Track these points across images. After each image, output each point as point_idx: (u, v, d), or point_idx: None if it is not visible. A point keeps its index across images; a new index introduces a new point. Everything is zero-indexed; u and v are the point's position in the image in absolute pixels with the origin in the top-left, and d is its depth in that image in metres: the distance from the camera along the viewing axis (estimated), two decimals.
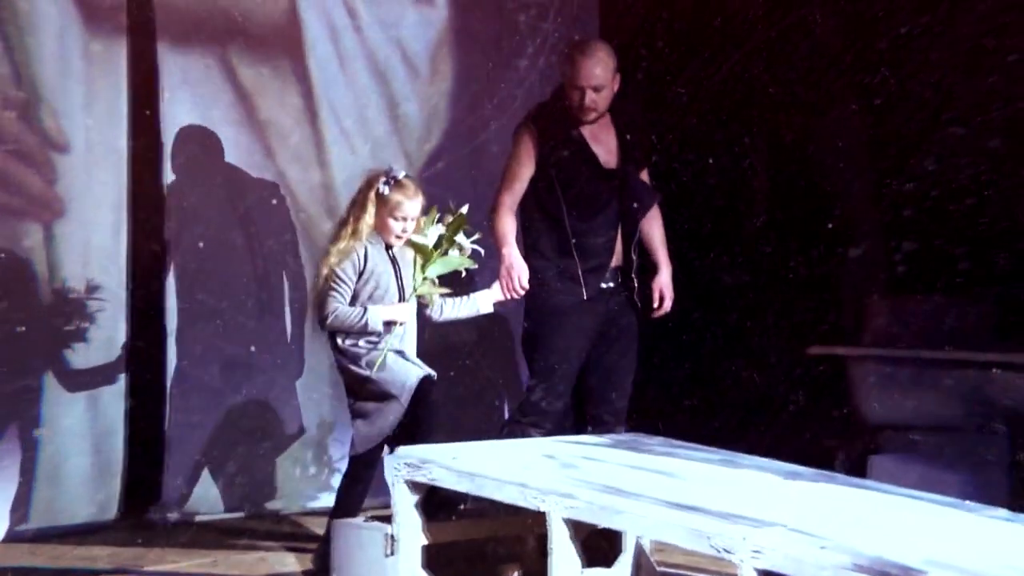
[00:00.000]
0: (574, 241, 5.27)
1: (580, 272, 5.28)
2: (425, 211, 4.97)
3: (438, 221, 5.01)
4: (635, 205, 5.33)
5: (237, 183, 5.83)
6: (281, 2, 5.90)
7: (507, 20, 6.26)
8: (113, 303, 5.49)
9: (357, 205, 5.03)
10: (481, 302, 5.16)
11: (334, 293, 4.94)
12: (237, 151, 5.81)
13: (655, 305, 5.39)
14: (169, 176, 5.65)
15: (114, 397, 5.52)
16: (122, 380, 5.53)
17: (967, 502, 4.21)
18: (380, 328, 4.92)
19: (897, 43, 5.32)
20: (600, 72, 5.14)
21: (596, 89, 5.14)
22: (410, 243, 4.98)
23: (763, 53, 5.68)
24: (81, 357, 5.46)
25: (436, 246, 4.99)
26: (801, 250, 5.80)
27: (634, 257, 5.37)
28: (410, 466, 4.46)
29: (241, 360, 5.77)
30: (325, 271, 4.98)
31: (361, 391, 4.95)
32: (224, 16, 5.75)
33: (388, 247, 5.03)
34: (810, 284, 5.82)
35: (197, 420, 5.69)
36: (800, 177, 5.82)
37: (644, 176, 5.43)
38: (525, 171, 5.26)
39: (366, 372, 4.94)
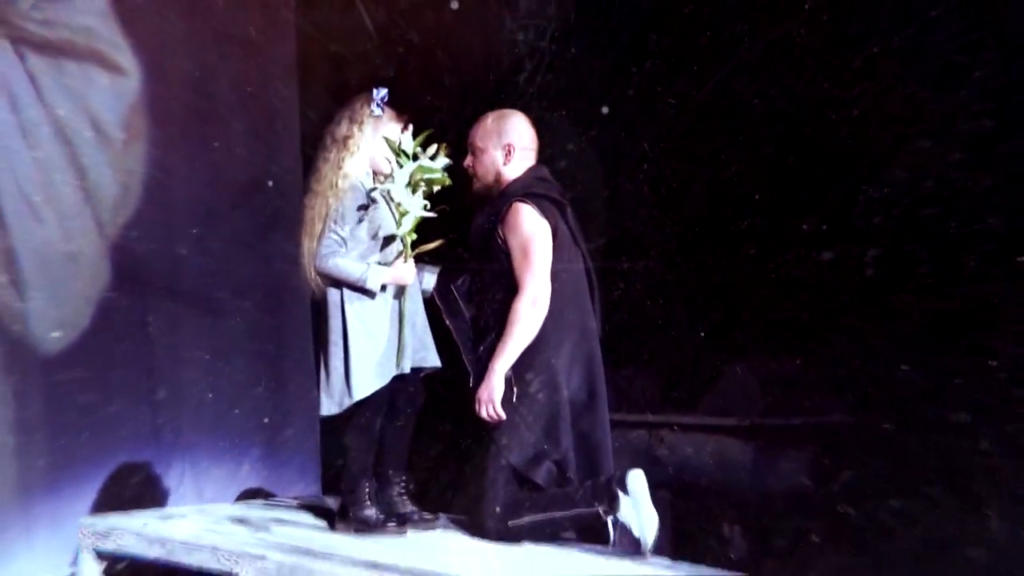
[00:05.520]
0: None
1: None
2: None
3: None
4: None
5: None
6: None
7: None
8: None
9: (344, 136, 4.40)
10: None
11: (334, 236, 4.36)
12: None
13: None
14: None
15: None
16: None
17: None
18: (377, 290, 4.41)
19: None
20: (475, 132, 4.98)
21: (472, 150, 4.98)
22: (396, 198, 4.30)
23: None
24: None
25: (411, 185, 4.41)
26: None
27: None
28: (97, 534, 4.41)
29: None
30: (324, 210, 4.36)
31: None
32: None
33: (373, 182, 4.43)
34: None
35: None
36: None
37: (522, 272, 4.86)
38: None
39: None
